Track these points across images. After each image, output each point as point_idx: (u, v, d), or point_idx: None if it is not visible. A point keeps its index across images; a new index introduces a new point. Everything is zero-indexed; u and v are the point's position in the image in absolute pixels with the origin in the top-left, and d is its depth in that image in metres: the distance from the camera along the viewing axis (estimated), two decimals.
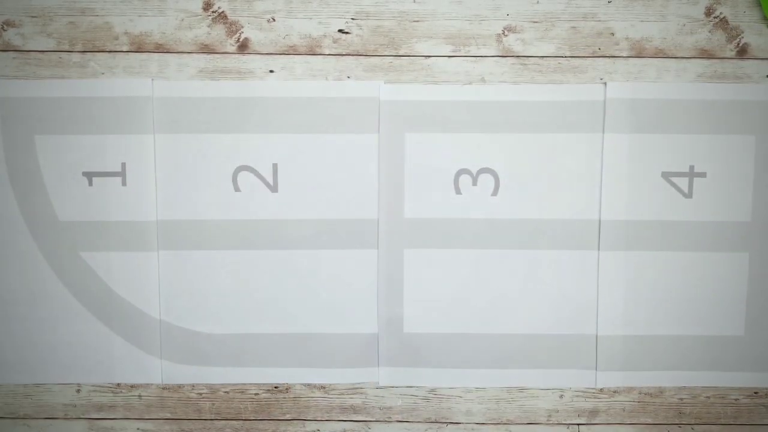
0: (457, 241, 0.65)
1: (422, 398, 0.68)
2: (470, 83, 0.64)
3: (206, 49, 0.63)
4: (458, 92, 0.64)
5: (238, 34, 0.63)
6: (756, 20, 0.63)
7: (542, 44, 0.64)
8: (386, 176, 0.65)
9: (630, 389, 0.67)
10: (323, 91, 0.64)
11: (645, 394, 0.67)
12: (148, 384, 0.67)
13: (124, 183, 0.64)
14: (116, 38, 0.63)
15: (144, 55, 0.63)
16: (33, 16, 0.63)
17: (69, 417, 0.67)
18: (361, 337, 0.67)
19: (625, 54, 0.64)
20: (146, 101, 0.63)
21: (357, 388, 0.68)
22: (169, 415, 0.68)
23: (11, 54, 0.63)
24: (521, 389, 0.67)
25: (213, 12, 0.63)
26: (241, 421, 0.68)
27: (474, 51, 0.64)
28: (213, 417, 0.68)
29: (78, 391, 0.67)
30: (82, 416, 0.67)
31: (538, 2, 0.63)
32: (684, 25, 0.63)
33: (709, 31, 0.63)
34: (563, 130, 0.64)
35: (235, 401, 0.68)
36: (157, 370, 0.67)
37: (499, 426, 0.68)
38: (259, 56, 0.64)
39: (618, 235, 0.65)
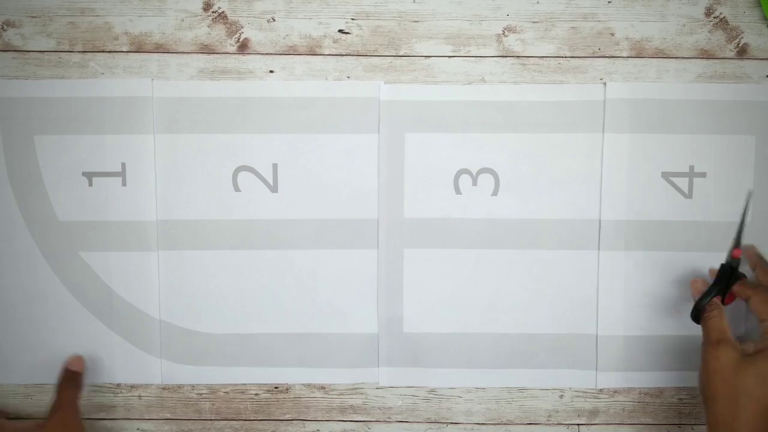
0: (458, 241, 0.65)
1: (422, 398, 0.68)
2: (470, 83, 0.64)
3: (206, 50, 0.64)
4: (458, 92, 0.64)
5: (238, 35, 0.63)
6: (756, 20, 0.63)
7: (542, 44, 0.64)
8: (386, 176, 0.65)
9: (630, 389, 0.67)
10: (323, 91, 0.64)
11: (645, 394, 0.67)
12: (148, 384, 0.67)
13: (124, 183, 0.64)
14: (116, 38, 0.63)
15: (144, 55, 0.63)
16: (33, 16, 0.63)
17: None
18: (361, 337, 0.66)
19: (625, 54, 0.64)
20: (146, 101, 0.63)
21: (357, 388, 0.68)
22: (169, 416, 0.68)
23: (11, 54, 0.63)
24: (521, 389, 0.67)
25: (213, 12, 0.63)
26: (241, 422, 0.68)
27: (474, 51, 0.64)
28: (213, 417, 0.68)
29: None
30: (82, 416, 0.67)
31: (538, 2, 0.63)
32: (684, 25, 0.63)
33: (709, 32, 0.63)
34: (563, 130, 0.64)
35: (235, 401, 0.68)
36: (157, 370, 0.66)
37: (498, 426, 0.68)
38: (259, 56, 0.64)
39: (618, 235, 0.65)
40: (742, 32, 0.63)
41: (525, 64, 0.64)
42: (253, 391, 0.68)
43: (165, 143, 0.64)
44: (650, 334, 0.66)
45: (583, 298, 0.66)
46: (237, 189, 0.65)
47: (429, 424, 0.68)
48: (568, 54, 0.64)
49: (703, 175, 0.64)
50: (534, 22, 0.63)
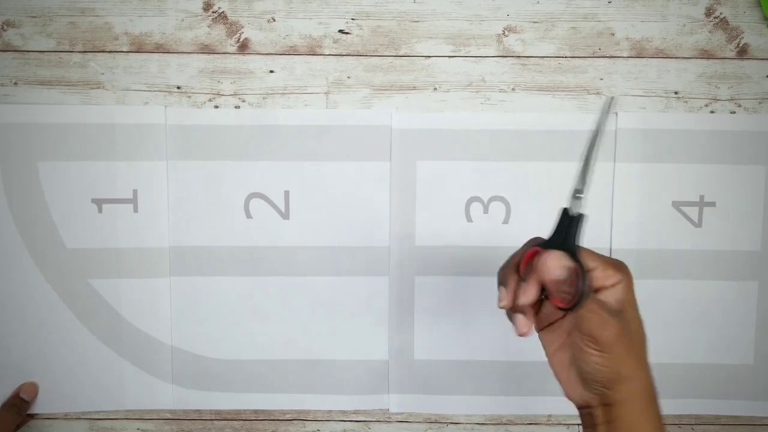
0: (469, 269, 0.65)
1: None
2: (470, 84, 0.64)
3: (206, 50, 0.63)
4: (470, 121, 0.63)
5: (238, 35, 0.63)
6: (756, 20, 0.63)
7: (542, 44, 0.63)
8: (398, 204, 0.65)
9: None
10: (335, 119, 0.63)
11: None
12: (159, 410, 0.67)
13: (135, 209, 0.64)
14: (116, 38, 0.63)
15: (144, 56, 0.63)
16: (33, 16, 0.63)
17: (69, 417, 0.67)
18: (372, 363, 0.66)
19: (625, 54, 0.64)
20: (159, 128, 0.63)
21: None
22: (169, 416, 0.68)
23: (11, 54, 0.63)
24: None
25: (213, 12, 0.63)
26: (241, 422, 0.68)
27: (474, 51, 0.64)
28: (213, 417, 0.68)
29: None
30: (82, 416, 0.67)
31: (538, 2, 0.63)
32: (684, 25, 0.63)
33: (709, 32, 0.63)
34: (574, 159, 0.63)
35: None
36: (168, 396, 0.66)
37: (498, 426, 0.68)
38: (259, 56, 0.64)
39: (629, 264, 0.64)
40: (743, 32, 0.63)
41: (525, 64, 0.64)
42: None
43: (177, 170, 0.64)
44: (660, 362, 0.64)
45: None
46: (249, 216, 0.64)
47: (429, 424, 0.68)
48: (569, 54, 0.64)
49: (713, 204, 0.64)
50: (534, 23, 0.63)
